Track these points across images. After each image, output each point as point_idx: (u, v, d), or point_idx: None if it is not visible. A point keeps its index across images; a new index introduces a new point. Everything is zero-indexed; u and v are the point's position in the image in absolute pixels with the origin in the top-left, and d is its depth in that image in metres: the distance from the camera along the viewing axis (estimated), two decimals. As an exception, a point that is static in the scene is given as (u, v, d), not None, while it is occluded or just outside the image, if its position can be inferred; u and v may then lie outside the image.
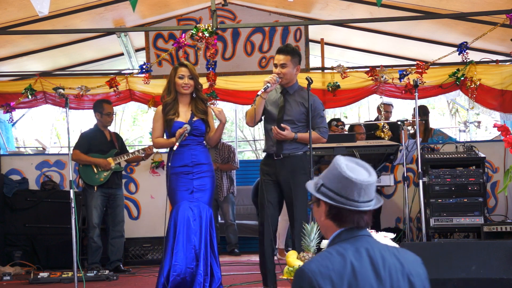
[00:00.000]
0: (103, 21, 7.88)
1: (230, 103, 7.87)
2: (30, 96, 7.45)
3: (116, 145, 6.59)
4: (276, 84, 4.53)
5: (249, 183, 8.36)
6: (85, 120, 9.32)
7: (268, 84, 4.44)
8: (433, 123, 11.68)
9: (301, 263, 3.18)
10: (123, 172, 6.89)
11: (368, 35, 8.46)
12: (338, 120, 7.63)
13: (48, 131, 15.60)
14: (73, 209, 4.55)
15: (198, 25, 6.50)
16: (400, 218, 7.34)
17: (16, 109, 7.72)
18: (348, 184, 1.94)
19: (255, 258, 5.99)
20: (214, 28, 6.43)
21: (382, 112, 7.65)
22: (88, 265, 6.38)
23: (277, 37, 7.83)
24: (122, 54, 9.08)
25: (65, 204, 6.28)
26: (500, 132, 4.91)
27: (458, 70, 7.33)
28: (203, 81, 6.58)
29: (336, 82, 7.54)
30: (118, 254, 6.51)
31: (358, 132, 7.12)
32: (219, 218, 8.00)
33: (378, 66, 7.52)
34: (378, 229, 5.83)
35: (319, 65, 8.07)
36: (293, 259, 3.36)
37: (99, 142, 6.49)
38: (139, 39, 8.57)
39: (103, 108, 6.53)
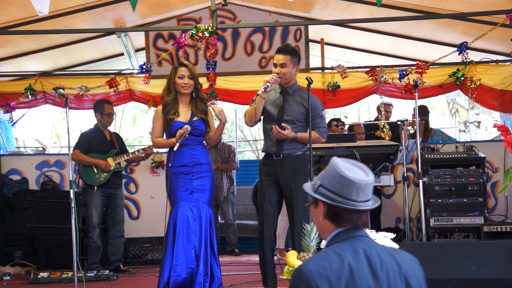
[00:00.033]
0: (103, 21, 7.88)
1: (230, 103, 7.87)
2: (30, 96, 7.45)
3: (116, 145, 6.59)
4: (276, 83, 4.53)
5: (249, 183, 8.36)
6: (85, 120, 9.32)
7: (268, 83, 4.44)
8: (433, 123, 11.69)
9: (301, 263, 3.18)
10: (123, 172, 6.89)
11: (368, 35, 8.46)
12: (338, 120, 7.63)
13: (48, 131, 15.60)
14: (73, 209, 4.55)
15: (198, 25, 6.50)
16: (400, 218, 7.34)
17: (16, 109, 7.72)
18: (346, 183, 1.96)
19: (255, 258, 5.99)
20: (214, 28, 6.43)
21: (382, 112, 7.64)
22: (88, 265, 6.38)
23: (277, 37, 7.83)
24: (122, 54, 9.08)
25: (65, 204, 6.28)
26: (500, 132, 4.91)
27: (458, 70, 7.33)
28: (203, 81, 6.58)
29: (336, 82, 7.54)
30: (118, 254, 6.51)
31: (357, 132, 7.12)
32: (219, 218, 8.00)
33: (378, 66, 7.52)
34: (378, 229, 5.83)
35: (319, 65, 8.07)
36: (293, 259, 3.36)
37: (99, 142, 6.48)
38: (139, 39, 8.57)
39: (103, 108, 6.53)
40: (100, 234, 6.43)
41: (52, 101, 7.70)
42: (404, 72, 7.13)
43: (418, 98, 5.66)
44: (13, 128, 9.09)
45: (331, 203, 1.97)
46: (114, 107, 6.96)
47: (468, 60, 6.99)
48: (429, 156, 6.10)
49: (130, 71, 8.69)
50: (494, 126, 5.16)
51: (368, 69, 7.49)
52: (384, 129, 7.36)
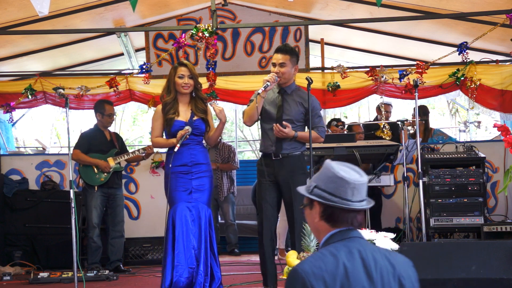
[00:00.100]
0: (103, 21, 7.88)
1: (230, 103, 7.87)
2: (30, 96, 7.45)
3: (116, 144, 6.59)
4: (275, 83, 4.54)
5: (249, 183, 8.36)
6: (85, 120, 9.32)
7: (267, 82, 4.45)
8: (433, 123, 11.68)
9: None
10: (123, 172, 6.89)
11: (368, 35, 8.46)
12: (338, 120, 7.63)
13: (48, 131, 15.60)
14: (73, 209, 4.55)
15: (198, 25, 6.50)
16: (400, 218, 7.34)
17: (16, 109, 7.72)
18: (341, 183, 1.99)
19: (255, 258, 5.99)
20: (214, 28, 6.43)
21: (383, 112, 7.64)
22: (88, 265, 6.38)
23: (277, 37, 7.83)
24: (122, 54, 9.08)
25: (65, 204, 6.28)
26: (500, 132, 4.91)
27: (458, 70, 7.33)
28: (203, 81, 6.58)
29: (336, 82, 7.54)
30: (118, 254, 6.51)
31: (357, 131, 7.12)
32: (219, 218, 8.00)
33: (378, 66, 7.52)
34: (378, 229, 5.83)
35: (319, 65, 8.07)
36: (293, 259, 3.37)
37: (99, 142, 6.48)
38: (139, 39, 8.57)
39: (104, 109, 6.53)
40: (100, 234, 6.43)
41: (52, 101, 7.70)
42: (404, 72, 7.13)
43: (418, 98, 5.66)
44: (13, 128, 9.09)
45: (327, 203, 1.99)
46: (114, 107, 6.96)
47: (468, 60, 6.99)
48: (429, 156, 6.10)
49: (130, 71, 8.69)
50: (494, 126, 5.15)
51: (368, 69, 7.49)
52: (384, 129, 7.36)
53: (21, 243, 7.12)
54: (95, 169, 6.37)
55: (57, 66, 9.16)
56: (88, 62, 9.35)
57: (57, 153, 10.48)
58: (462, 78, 7.33)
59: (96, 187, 6.33)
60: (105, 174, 6.37)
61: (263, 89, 4.44)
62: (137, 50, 9.10)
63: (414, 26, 7.82)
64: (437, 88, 7.51)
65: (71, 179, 4.58)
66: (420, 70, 7.01)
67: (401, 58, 8.99)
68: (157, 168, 7.55)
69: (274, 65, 4.60)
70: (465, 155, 6.09)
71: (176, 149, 4.48)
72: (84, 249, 6.71)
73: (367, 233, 3.63)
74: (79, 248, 5.84)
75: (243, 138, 16.49)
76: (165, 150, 4.82)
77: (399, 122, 6.16)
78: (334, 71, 7.58)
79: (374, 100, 8.07)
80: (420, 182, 5.16)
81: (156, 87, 7.21)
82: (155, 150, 6.77)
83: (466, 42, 6.74)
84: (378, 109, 7.89)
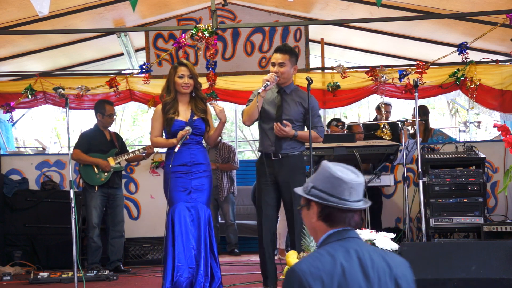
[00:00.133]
0: (103, 21, 7.88)
1: (230, 103, 7.87)
2: (30, 96, 7.45)
3: (116, 144, 6.59)
4: (275, 82, 4.54)
5: (249, 183, 8.36)
6: (85, 120, 9.31)
7: (267, 82, 4.45)
8: (433, 123, 11.68)
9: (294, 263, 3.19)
10: (123, 172, 6.89)
11: (368, 35, 8.46)
12: (338, 120, 7.63)
13: (48, 131, 15.60)
14: (73, 209, 4.55)
15: (198, 25, 6.50)
16: (400, 218, 7.34)
17: (16, 109, 7.72)
18: (339, 183, 2.01)
19: (255, 258, 5.99)
20: (214, 28, 6.43)
21: (383, 112, 7.64)
22: (88, 265, 6.38)
23: (277, 37, 7.83)
24: (122, 54, 9.08)
25: (65, 204, 6.28)
26: (500, 132, 4.91)
27: (458, 70, 7.33)
28: (203, 81, 6.58)
29: (336, 82, 7.54)
30: (118, 254, 6.51)
31: (356, 131, 7.12)
32: (219, 218, 8.00)
33: (378, 66, 7.52)
34: (379, 229, 5.83)
35: (319, 65, 8.07)
36: (293, 259, 3.37)
37: (99, 142, 6.48)
38: (139, 39, 8.58)
39: (105, 109, 6.52)
40: (100, 234, 6.43)
41: (52, 101, 7.70)
42: (404, 72, 7.13)
43: (418, 98, 5.66)
44: (13, 128, 9.09)
45: (325, 203, 2.01)
46: (114, 107, 6.96)
47: (468, 60, 6.99)
48: (429, 156, 6.10)
49: (130, 71, 8.69)
50: (494, 126, 5.15)
51: (368, 69, 7.49)
52: (384, 129, 7.36)
53: (21, 243, 7.12)
54: (96, 169, 6.37)
55: (57, 66, 9.16)
56: (88, 62, 9.36)
57: (57, 153, 10.48)
58: (462, 78, 7.33)
59: (96, 187, 6.33)
60: (106, 174, 6.37)
61: (263, 88, 4.44)
62: (137, 50, 9.10)
63: (414, 26, 7.82)
64: (437, 88, 7.51)
65: (71, 179, 4.58)
66: (420, 70, 7.01)
67: (401, 58, 9.00)
68: (157, 168, 7.55)
69: (273, 64, 4.60)
70: (465, 155, 6.09)
71: (176, 149, 4.48)
72: (84, 249, 6.71)
73: (367, 233, 3.64)
74: (79, 248, 5.83)
75: (243, 138, 16.49)
76: (165, 150, 4.81)
77: (399, 122, 6.15)
78: (334, 71, 7.58)
79: (374, 100, 8.07)
80: (420, 182, 5.16)
81: (156, 87, 7.21)
82: (155, 150, 6.77)
83: (466, 42, 6.74)
84: (378, 109, 7.89)
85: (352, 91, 7.68)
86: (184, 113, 4.64)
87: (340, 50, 9.45)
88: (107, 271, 5.98)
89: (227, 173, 7.82)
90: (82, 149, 6.38)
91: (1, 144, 8.21)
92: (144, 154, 6.54)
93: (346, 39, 9.09)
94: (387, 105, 7.87)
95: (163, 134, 4.72)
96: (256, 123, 4.78)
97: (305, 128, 4.72)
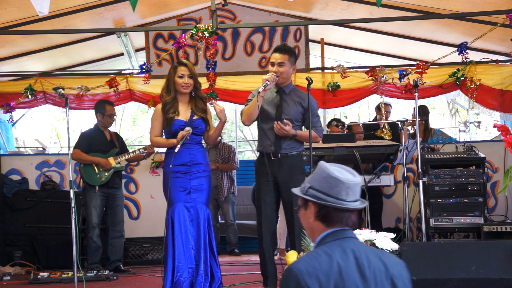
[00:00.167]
0: (103, 21, 7.88)
1: (230, 103, 7.87)
2: (30, 96, 7.45)
3: (116, 144, 6.59)
4: (275, 82, 4.55)
5: (249, 183, 8.36)
6: (85, 120, 9.32)
7: (267, 81, 4.46)
8: (433, 123, 11.68)
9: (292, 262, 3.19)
10: (123, 172, 6.89)
11: (368, 35, 8.46)
12: (338, 120, 7.63)
13: (48, 131, 15.60)
14: (73, 209, 4.55)
15: (198, 25, 6.50)
16: (400, 218, 7.34)
17: (16, 109, 7.72)
18: (336, 183, 2.03)
19: (255, 258, 5.99)
20: (214, 28, 6.43)
21: (383, 112, 7.64)
22: (88, 265, 6.38)
23: (277, 37, 7.83)
24: (122, 54, 9.08)
25: (65, 204, 6.28)
26: (500, 132, 4.90)
27: (458, 70, 7.33)
28: (203, 81, 6.58)
29: (336, 82, 7.54)
30: (118, 254, 6.51)
31: (356, 131, 7.12)
32: (220, 218, 8.00)
33: (378, 66, 7.52)
34: (379, 229, 5.83)
35: (319, 65, 8.07)
36: (293, 259, 3.37)
37: (99, 142, 6.48)
38: (139, 39, 8.58)
39: (105, 109, 6.52)
40: (100, 234, 6.43)
41: (52, 101, 7.70)
42: (404, 72, 7.13)
43: (418, 98, 5.66)
44: (13, 128, 9.09)
45: (322, 203, 2.03)
46: (114, 107, 6.96)
47: (468, 60, 6.99)
48: (429, 156, 6.10)
49: (130, 71, 8.69)
50: (494, 126, 5.15)
51: (368, 69, 7.49)
52: (384, 129, 7.36)
53: (21, 243, 7.12)
54: (96, 168, 6.37)
55: (57, 66, 9.16)
56: (88, 62, 9.36)
57: (57, 153, 10.48)
58: (462, 78, 7.33)
59: (97, 187, 6.33)
60: (106, 174, 6.37)
61: (263, 88, 4.45)
62: (137, 50, 9.10)
63: (414, 26, 7.82)
64: (437, 88, 7.51)
65: (71, 179, 4.58)
66: (420, 70, 7.01)
67: (401, 58, 9.00)
68: (157, 168, 7.54)
69: (272, 64, 4.61)
70: (465, 155, 6.09)
71: (176, 150, 4.48)
72: (84, 249, 6.71)
73: (367, 233, 3.64)
74: (79, 248, 5.84)
75: (243, 138, 16.49)
76: (165, 149, 4.81)
77: (399, 122, 6.15)
78: (334, 71, 7.58)
79: (374, 100, 8.07)
80: (420, 182, 5.16)
81: (156, 87, 7.21)
82: (156, 150, 6.77)
83: (466, 42, 6.74)
84: (378, 109, 7.89)
85: (352, 91, 7.68)
86: (184, 112, 4.64)
87: (340, 50, 9.45)
88: (107, 271, 5.98)
89: (227, 173, 7.81)
90: (82, 149, 6.38)
91: (1, 144, 8.21)
92: (144, 154, 6.54)
93: (346, 39, 9.09)
94: (387, 105, 7.87)
95: (163, 133, 4.72)
96: (255, 123, 4.78)
97: (303, 128, 4.74)
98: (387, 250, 3.62)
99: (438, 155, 6.12)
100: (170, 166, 4.52)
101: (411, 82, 6.42)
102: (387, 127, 7.38)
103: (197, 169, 4.60)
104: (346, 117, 14.27)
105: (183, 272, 4.40)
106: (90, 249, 6.37)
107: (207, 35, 6.44)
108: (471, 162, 6.07)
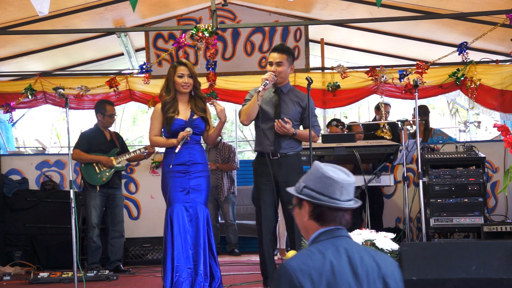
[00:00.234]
0: (103, 21, 7.88)
1: (230, 103, 7.86)
2: (30, 96, 7.45)
3: (117, 144, 6.59)
4: (273, 81, 4.56)
5: (249, 183, 8.35)
6: (85, 120, 9.32)
7: (266, 81, 4.47)
8: (433, 123, 11.67)
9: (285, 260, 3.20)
10: (123, 172, 6.89)
11: (368, 35, 8.46)
12: (338, 120, 7.63)
13: (48, 131, 15.60)
14: (73, 209, 4.55)
15: (198, 25, 6.50)
16: (400, 218, 7.34)
17: (16, 109, 7.72)
18: (330, 183, 2.06)
19: (255, 258, 5.99)
20: (214, 28, 6.43)
21: (382, 112, 7.64)
22: (88, 265, 6.38)
23: (277, 37, 7.83)
24: (122, 54, 9.08)
25: (65, 204, 6.28)
26: (500, 132, 4.91)
27: (458, 70, 7.33)
28: (203, 81, 6.59)
29: (336, 82, 7.54)
30: (118, 254, 6.51)
31: (356, 131, 7.12)
32: (220, 218, 8.00)
33: (378, 66, 7.52)
34: (379, 229, 5.84)
35: (319, 65, 8.07)
36: (293, 259, 3.36)
37: (99, 142, 6.48)
38: (139, 39, 8.58)
39: (105, 109, 6.52)
40: (100, 234, 6.43)
41: (52, 101, 7.70)
42: (404, 72, 7.13)
43: (418, 98, 5.66)
44: (13, 128, 9.09)
45: (316, 202, 2.06)
46: (115, 108, 6.96)
47: (468, 60, 6.99)
48: (429, 156, 6.10)
49: (130, 71, 8.69)
50: (494, 126, 5.15)
51: (368, 69, 7.49)
52: (384, 129, 7.36)
53: (21, 243, 7.12)
54: (97, 168, 6.37)
55: (57, 66, 9.16)
56: (88, 62, 9.36)
57: (57, 153, 10.48)
58: (462, 78, 7.33)
59: (98, 187, 6.33)
60: (107, 174, 6.37)
61: (263, 87, 4.45)
62: (137, 50, 9.10)
63: (414, 26, 7.82)
64: (437, 88, 7.51)
65: (71, 179, 4.58)
66: (420, 70, 7.01)
67: (401, 58, 9.00)
68: (157, 168, 7.54)
69: (270, 64, 4.62)
70: (465, 155, 6.09)
71: (177, 150, 4.48)
72: (84, 249, 6.71)
73: (367, 233, 3.64)
74: (79, 248, 5.84)
75: (243, 138, 16.49)
76: (164, 149, 4.81)
77: (399, 122, 6.15)
78: (334, 71, 7.58)
79: (374, 100, 8.07)
80: (420, 182, 5.16)
81: (156, 87, 7.19)
82: (156, 149, 6.77)
83: (466, 42, 6.74)
84: (377, 109, 7.89)
85: (352, 91, 7.68)
86: (184, 112, 4.64)
87: (340, 50, 9.45)
88: (107, 271, 5.98)
89: (227, 173, 7.81)
90: (82, 149, 6.38)
91: (1, 144, 8.21)
92: (145, 153, 6.54)
93: (346, 39, 9.09)
94: (386, 105, 7.87)
95: (162, 133, 4.72)
96: (253, 123, 4.78)
97: (301, 127, 4.75)
98: (387, 250, 3.62)
99: (438, 155, 6.12)
100: (171, 166, 4.52)
101: (411, 82, 6.42)
102: (387, 127, 7.38)
103: (196, 169, 4.60)
104: (346, 117, 14.27)
105: (182, 272, 4.40)
106: (90, 249, 6.37)
107: (207, 35, 6.44)
108: (471, 162, 6.07)
